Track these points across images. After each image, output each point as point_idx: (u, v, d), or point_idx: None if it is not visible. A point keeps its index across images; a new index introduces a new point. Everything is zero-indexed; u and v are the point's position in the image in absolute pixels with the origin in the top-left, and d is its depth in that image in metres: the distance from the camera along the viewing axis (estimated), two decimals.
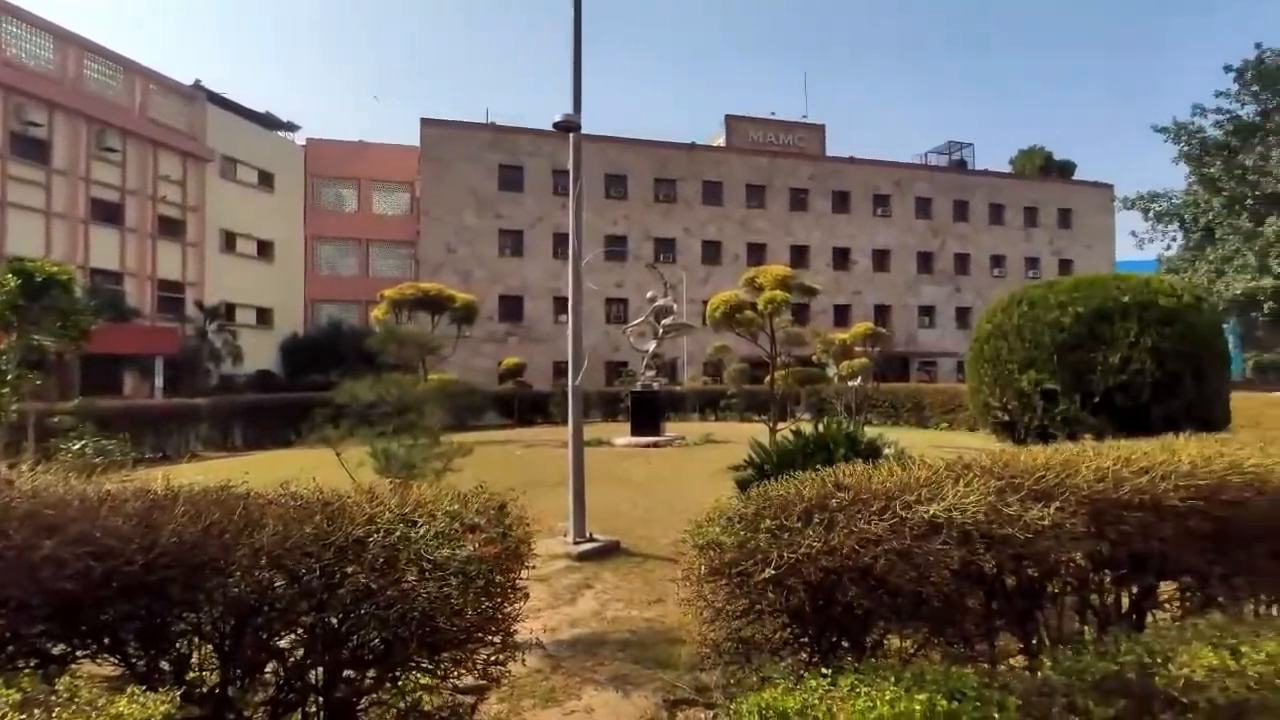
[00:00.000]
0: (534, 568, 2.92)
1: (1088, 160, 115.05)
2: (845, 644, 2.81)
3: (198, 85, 35.89)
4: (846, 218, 43.66)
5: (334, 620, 2.55)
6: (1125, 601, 3.43)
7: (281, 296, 38.86)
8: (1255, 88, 35.26)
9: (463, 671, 2.68)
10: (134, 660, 2.66)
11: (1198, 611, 3.45)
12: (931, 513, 2.60)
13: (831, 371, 17.94)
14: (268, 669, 2.66)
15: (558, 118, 6.57)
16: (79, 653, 2.75)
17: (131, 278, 31.07)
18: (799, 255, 41.81)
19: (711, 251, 41.11)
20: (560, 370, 36.05)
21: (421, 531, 2.52)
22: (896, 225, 44.48)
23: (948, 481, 2.83)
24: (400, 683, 2.64)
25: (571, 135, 6.83)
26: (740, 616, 2.72)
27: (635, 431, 16.27)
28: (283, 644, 2.63)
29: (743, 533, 2.64)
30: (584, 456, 6.70)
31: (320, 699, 2.67)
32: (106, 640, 2.67)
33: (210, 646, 2.66)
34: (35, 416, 9.28)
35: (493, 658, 2.70)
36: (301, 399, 17.82)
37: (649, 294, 18.01)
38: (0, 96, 26.94)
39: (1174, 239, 40.04)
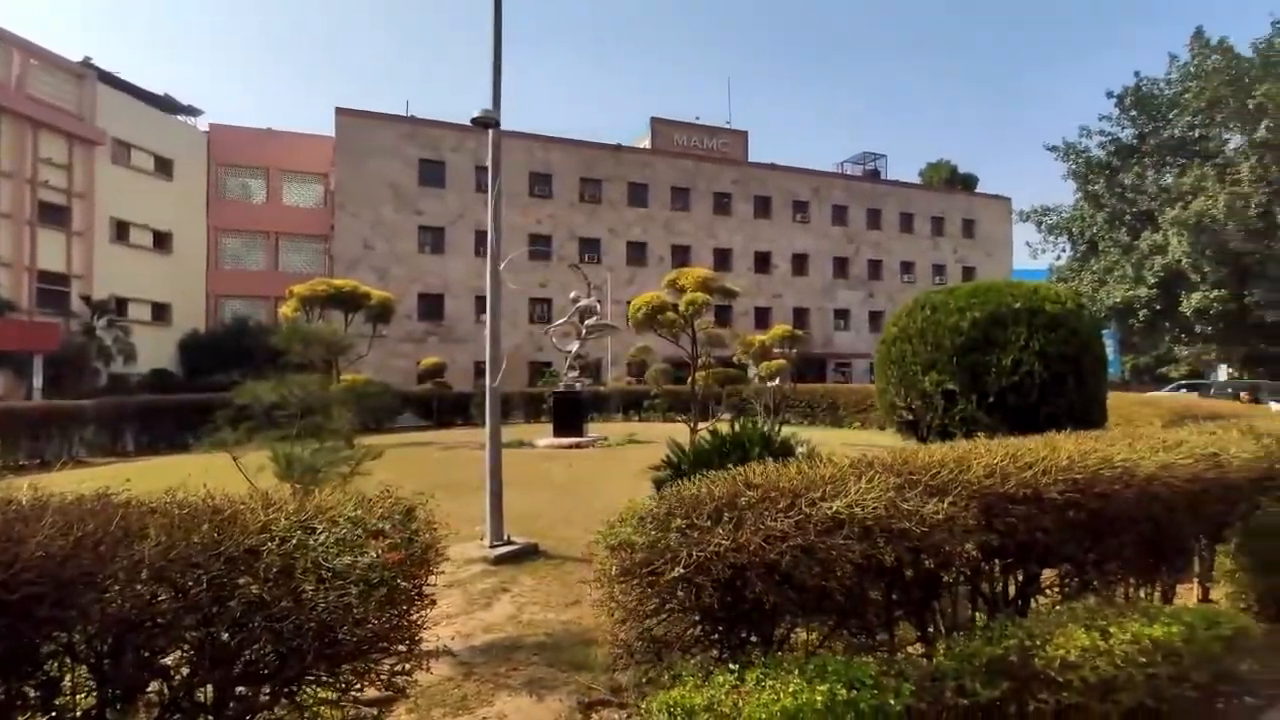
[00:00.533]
0: (442, 573, 2.85)
1: (990, 174, 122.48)
2: (754, 639, 2.87)
3: (87, 62, 33.26)
4: (767, 222, 44.81)
5: (224, 635, 2.40)
6: (1012, 588, 3.66)
7: (181, 291, 36.47)
8: (1133, 113, 38.41)
9: (366, 683, 2.58)
10: None
11: (1076, 596, 3.73)
12: (834, 509, 2.69)
13: (752, 372, 18.37)
14: (151, 689, 2.49)
15: (476, 113, 6.44)
16: None
17: (5, 268, 28.45)
18: (722, 258, 42.61)
19: (636, 253, 41.34)
20: (482, 370, 35.19)
21: (321, 538, 2.42)
22: (814, 231, 46.00)
23: (851, 479, 2.94)
24: (298, 697, 2.52)
25: (490, 131, 6.72)
26: (651, 615, 2.74)
27: (558, 432, 16.14)
28: (168, 661, 2.46)
29: (654, 532, 2.65)
30: (502, 458, 6.60)
31: (210, 718, 2.52)
32: None
33: (85, 667, 2.46)
34: None
35: (398, 667, 2.62)
36: (202, 400, 16.72)
37: (572, 294, 17.92)
38: None
39: (1063, 250, 43.14)
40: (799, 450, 5.29)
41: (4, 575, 2.20)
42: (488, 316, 6.48)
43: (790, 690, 2.29)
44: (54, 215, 30.65)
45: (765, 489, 2.81)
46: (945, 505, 2.91)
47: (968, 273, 48.26)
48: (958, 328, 6.61)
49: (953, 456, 3.31)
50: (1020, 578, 3.62)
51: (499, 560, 5.93)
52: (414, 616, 2.62)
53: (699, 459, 5.18)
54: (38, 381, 25.25)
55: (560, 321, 18.39)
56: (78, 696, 2.48)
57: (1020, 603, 3.61)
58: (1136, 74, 38.16)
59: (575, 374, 17.26)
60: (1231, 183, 32.18)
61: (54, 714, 2.39)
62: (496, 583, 5.49)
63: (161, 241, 36.11)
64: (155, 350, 32.69)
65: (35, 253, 29.64)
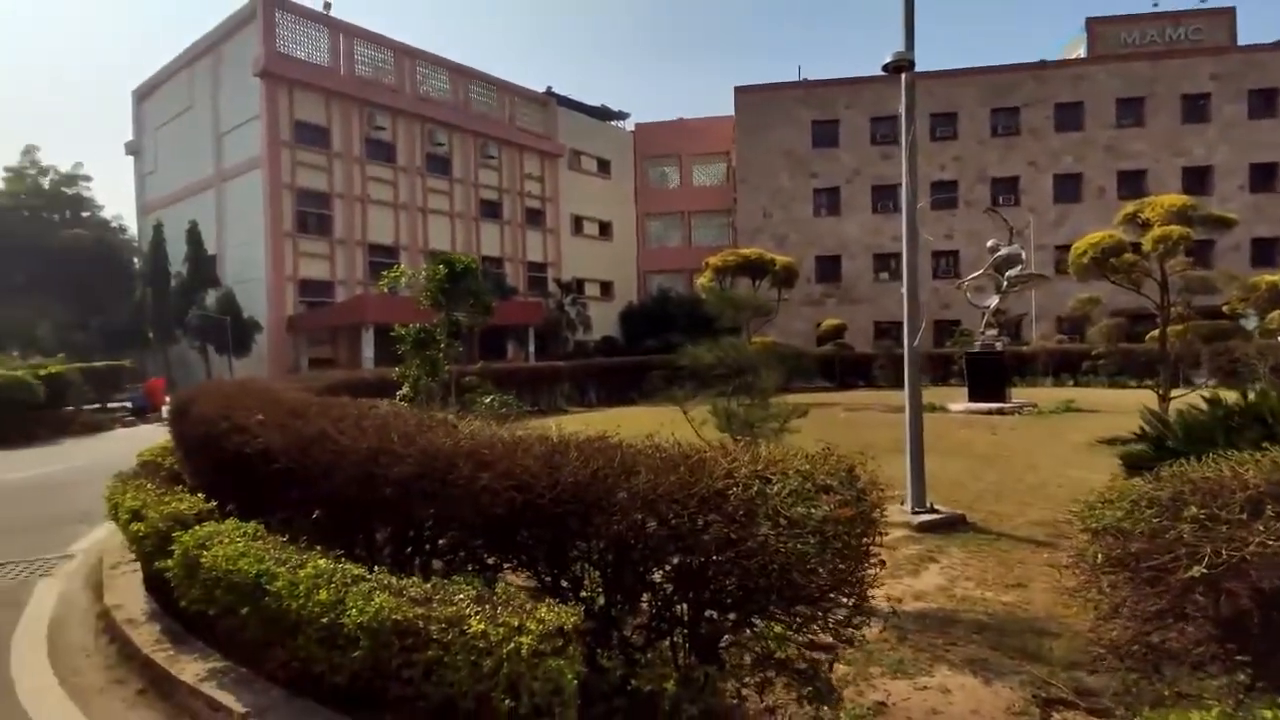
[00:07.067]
0: (886, 534, 2.81)
1: None
2: None
3: (549, 91, 41.50)
4: (1271, 124, 33.31)
5: (697, 563, 2.76)
6: None
7: (619, 270, 43.63)
8: None
9: (815, 628, 2.71)
10: (543, 576, 3.23)
11: None
12: None
13: (1252, 324, 13.96)
14: (643, 598, 3.00)
15: (888, 58, 6.09)
16: (504, 565, 3.44)
17: (508, 262, 37.70)
18: (1195, 179, 33.26)
19: (1067, 187, 34.89)
20: (882, 331, 34.27)
21: (776, 488, 2.59)
22: None
23: None
24: (757, 629, 2.77)
25: (904, 75, 6.29)
26: (1151, 619, 2.28)
27: (974, 397, 14.72)
28: (655, 578, 2.93)
29: (1155, 520, 2.19)
30: (922, 422, 6.28)
31: (685, 632, 2.94)
32: (523, 557, 3.30)
33: (597, 573, 3.10)
34: (454, 376, 11.80)
35: (846, 619, 2.68)
36: (639, 362, 20.00)
37: (989, 242, 15.95)
38: (419, 126, 34.43)
39: None
40: None
41: (551, 494, 2.89)
42: (904, 272, 6.16)
43: None
44: (534, 218, 39.41)
45: None
46: None
47: None
48: None
49: None
50: None
51: (922, 528, 5.68)
52: (861, 573, 2.65)
53: (1192, 434, 4.12)
54: (531, 348, 32.94)
55: (975, 274, 16.57)
56: (594, 593, 3.14)
57: None
58: None
59: (993, 332, 15.41)
60: None
61: (581, 604, 3.03)
62: (922, 550, 5.27)
63: (605, 230, 43.60)
64: (603, 320, 39.74)
65: (525, 248, 38.60)
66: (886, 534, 2.97)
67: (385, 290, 10.69)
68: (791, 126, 36.99)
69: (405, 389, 9.11)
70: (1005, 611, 4.21)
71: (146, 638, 3.96)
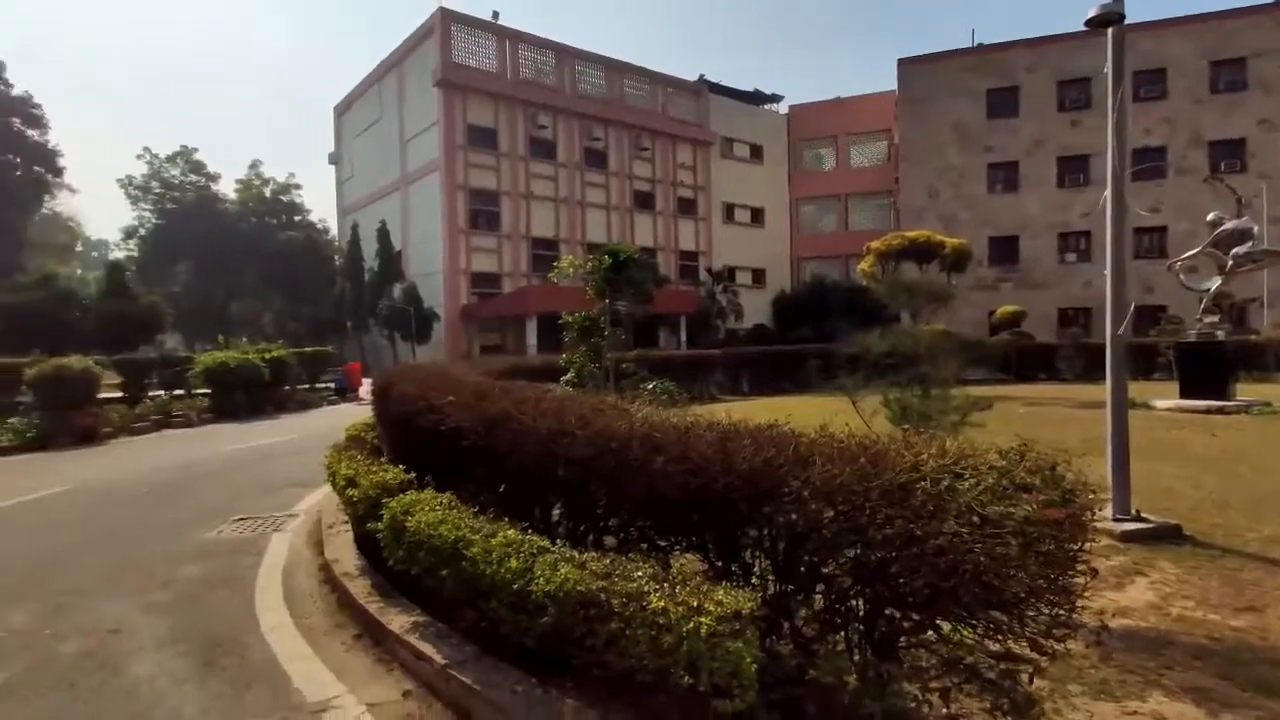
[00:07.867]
0: (1096, 541, 2.56)
1: None
2: None
3: (701, 79, 41.43)
4: None
5: (876, 558, 2.66)
6: None
7: (771, 257, 42.82)
8: None
9: (1010, 637, 2.52)
10: (713, 560, 3.27)
11: None
12: None
13: None
14: (817, 590, 2.95)
15: (1092, 12, 5.45)
16: (675, 547, 3.52)
17: (660, 251, 38.26)
18: None
19: None
20: (1067, 319, 31.04)
21: (968, 484, 2.43)
22: None
23: None
24: (942, 633, 2.62)
25: (1110, 30, 5.61)
26: None
27: (1186, 393, 12.88)
28: (828, 571, 2.87)
29: None
30: (1126, 419, 5.61)
31: (861, 627, 2.85)
32: (694, 539, 3.36)
33: (768, 561, 3.08)
34: (613, 362, 12.20)
35: (1046, 629, 2.47)
36: (794, 351, 19.55)
37: (1210, 216, 13.78)
38: (577, 123, 35.76)
39: None
40: None
41: (724, 480, 2.91)
42: (1108, 250, 5.53)
43: None
44: (686, 207, 39.67)
45: None
46: None
47: None
48: None
49: None
50: None
51: (1127, 537, 5.09)
52: (1065, 581, 2.42)
53: None
54: (683, 336, 33.29)
55: (1190, 253, 14.39)
56: (766, 580, 3.13)
57: None
58: None
59: (1215, 318, 13.34)
60: None
61: (753, 590, 3.03)
62: (1127, 562, 4.72)
63: (756, 217, 42.96)
64: (754, 308, 39.26)
65: (677, 237, 38.97)
66: (1097, 540, 2.69)
67: (554, 280, 11.30)
68: (962, 97, 34.23)
69: (570, 374, 9.58)
70: (1235, 637, 3.69)
71: (360, 589, 4.49)
